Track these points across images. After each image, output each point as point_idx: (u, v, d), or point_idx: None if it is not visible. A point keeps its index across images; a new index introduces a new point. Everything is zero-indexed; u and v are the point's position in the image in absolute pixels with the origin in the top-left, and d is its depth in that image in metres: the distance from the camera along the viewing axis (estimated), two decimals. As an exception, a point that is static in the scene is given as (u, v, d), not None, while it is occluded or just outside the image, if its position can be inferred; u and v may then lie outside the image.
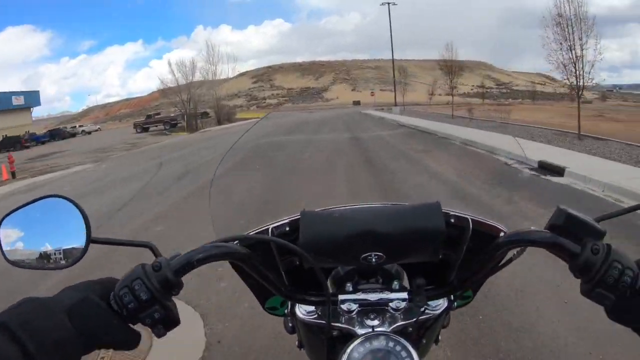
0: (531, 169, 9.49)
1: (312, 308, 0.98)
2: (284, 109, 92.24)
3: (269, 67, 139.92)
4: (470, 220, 0.93)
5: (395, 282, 0.93)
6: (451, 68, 40.09)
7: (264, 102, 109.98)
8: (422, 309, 0.93)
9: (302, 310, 0.98)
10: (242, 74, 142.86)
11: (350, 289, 0.92)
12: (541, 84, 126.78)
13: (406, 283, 0.98)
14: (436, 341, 1.09)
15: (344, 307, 0.89)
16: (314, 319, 0.97)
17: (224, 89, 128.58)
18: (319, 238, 0.84)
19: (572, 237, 0.75)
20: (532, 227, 0.82)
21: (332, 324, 0.90)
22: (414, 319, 0.91)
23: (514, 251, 0.87)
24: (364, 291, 0.92)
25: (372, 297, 0.90)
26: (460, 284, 0.94)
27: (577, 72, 15.85)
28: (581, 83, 15.89)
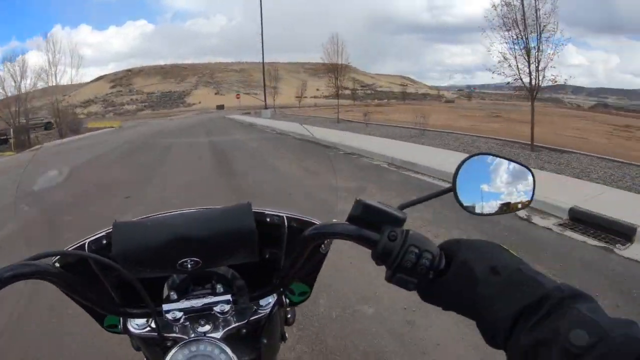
0: (561, 225, 5.97)
1: (143, 321, 0.97)
2: (143, 116, 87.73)
3: (129, 70, 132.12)
4: (285, 218, 0.98)
5: (219, 286, 0.93)
6: (336, 67, 38.56)
7: (122, 109, 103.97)
8: (253, 309, 0.97)
9: (134, 325, 0.97)
10: (99, 78, 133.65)
11: (175, 297, 0.91)
12: (403, 85, 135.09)
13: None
14: (283, 338, 1.16)
15: (169, 316, 0.89)
16: (147, 332, 0.96)
17: (79, 95, 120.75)
18: (133, 248, 0.82)
19: (373, 226, 0.78)
20: (334, 220, 0.85)
21: (165, 334, 0.91)
22: (245, 321, 0.95)
23: (323, 244, 0.94)
24: (189, 298, 0.92)
25: (197, 303, 0.91)
26: (281, 281, 0.96)
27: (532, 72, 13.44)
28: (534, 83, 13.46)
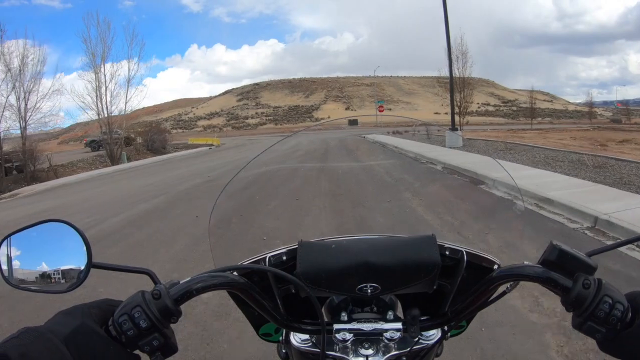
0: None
1: (306, 336, 0.99)
2: (262, 130, 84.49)
3: (256, 84, 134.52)
4: (464, 253, 0.96)
5: (390, 313, 0.96)
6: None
7: (243, 122, 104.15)
8: (416, 339, 0.95)
9: (297, 338, 1.00)
10: (227, 92, 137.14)
11: (345, 318, 0.95)
12: (549, 101, 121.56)
13: (400, 313, 1.01)
14: None
15: (339, 336, 0.92)
16: (309, 347, 0.98)
17: (206, 108, 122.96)
18: (316, 268, 0.87)
19: (564, 271, 0.79)
20: (526, 262, 0.85)
21: (327, 352, 0.92)
22: (408, 349, 0.93)
23: (507, 285, 0.90)
24: (359, 321, 0.94)
25: (367, 327, 0.92)
26: (455, 315, 0.96)
27: None
28: None
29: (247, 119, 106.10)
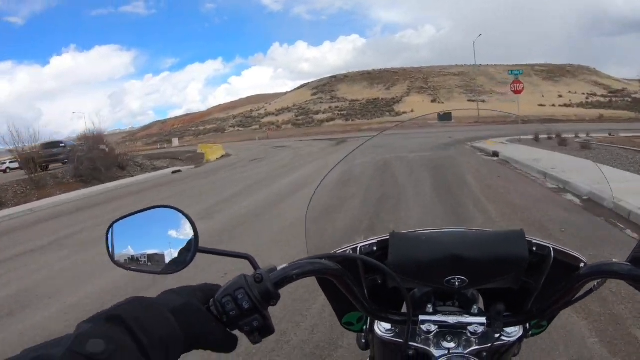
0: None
1: (390, 326, 1.03)
2: (327, 128, 77.84)
3: (333, 76, 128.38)
4: (552, 249, 0.97)
5: (475, 307, 0.99)
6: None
7: (310, 118, 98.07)
8: (498, 335, 0.96)
9: (381, 328, 1.03)
10: (302, 86, 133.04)
11: (431, 310, 0.98)
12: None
13: (482, 307, 1.03)
14: None
15: (424, 327, 0.95)
16: (392, 337, 1.01)
17: (279, 103, 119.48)
18: (407, 259, 0.92)
19: None
20: (614, 260, 0.86)
21: (410, 343, 0.96)
22: (490, 344, 0.94)
23: (594, 282, 0.91)
24: (444, 313, 0.97)
25: (451, 319, 0.96)
26: (539, 312, 0.97)
27: None
28: None
29: (317, 114, 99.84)
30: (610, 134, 28.89)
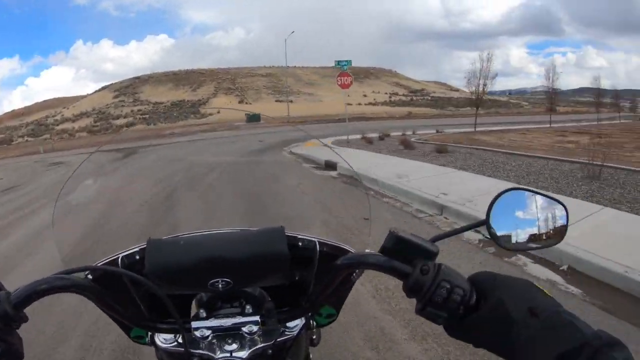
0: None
1: (172, 335, 1.00)
2: (96, 143, 72.45)
3: (136, 77, 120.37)
4: (317, 243, 1.02)
5: (248, 306, 0.98)
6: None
7: (109, 124, 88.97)
8: (281, 331, 1.00)
9: (161, 339, 1.01)
10: (103, 88, 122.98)
11: (204, 315, 0.96)
12: (455, 90, 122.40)
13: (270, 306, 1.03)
14: (307, 359, 1.21)
15: (198, 333, 0.93)
16: (174, 346, 0.99)
17: (79, 107, 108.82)
18: (165, 266, 0.88)
19: (405, 258, 0.81)
20: (367, 250, 0.92)
21: (192, 350, 0.94)
22: (272, 341, 0.97)
23: (354, 272, 0.96)
24: (217, 317, 0.96)
25: (225, 322, 0.95)
26: (311, 305, 1.01)
27: None
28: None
29: (118, 118, 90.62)
30: (438, 131, 29.69)
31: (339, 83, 22.03)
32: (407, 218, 7.20)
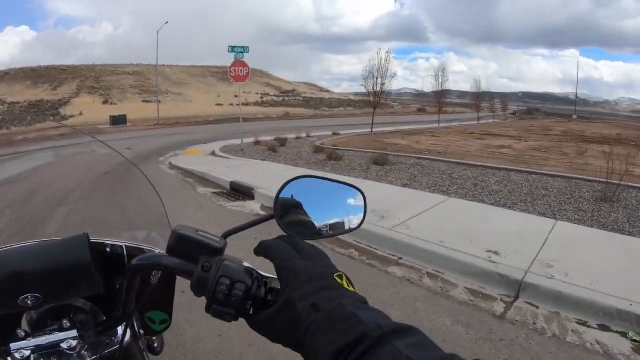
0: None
1: None
2: None
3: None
4: (124, 247, 1.01)
5: (65, 321, 0.95)
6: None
7: None
8: (106, 343, 0.98)
9: None
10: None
11: (23, 334, 0.92)
12: (326, 91, 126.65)
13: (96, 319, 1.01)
14: None
15: (17, 355, 0.89)
16: None
17: None
18: None
19: (192, 257, 0.80)
20: (159, 251, 0.95)
21: None
22: (97, 355, 0.95)
23: (153, 273, 0.97)
24: (37, 335, 0.92)
25: (44, 340, 0.91)
26: (123, 312, 0.96)
27: None
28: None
29: None
30: (334, 134, 27.87)
31: (233, 75, 17.86)
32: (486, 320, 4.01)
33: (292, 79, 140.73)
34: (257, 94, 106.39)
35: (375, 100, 35.14)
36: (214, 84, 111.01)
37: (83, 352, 0.93)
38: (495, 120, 64.38)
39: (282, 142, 20.30)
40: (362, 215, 0.94)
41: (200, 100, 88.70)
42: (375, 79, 34.99)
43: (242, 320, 0.80)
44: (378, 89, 35.14)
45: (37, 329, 0.95)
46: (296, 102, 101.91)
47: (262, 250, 0.84)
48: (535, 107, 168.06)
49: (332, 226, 0.90)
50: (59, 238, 0.92)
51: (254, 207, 8.38)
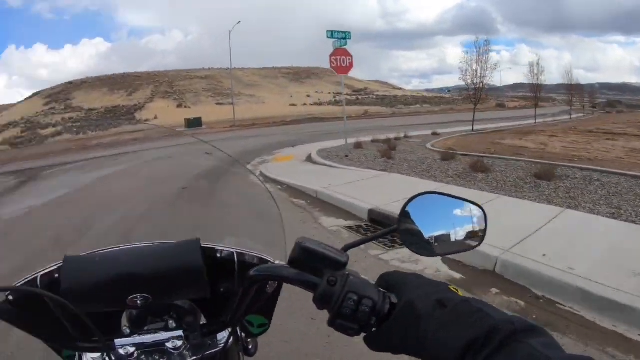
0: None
1: (99, 355, 0.96)
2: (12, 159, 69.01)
3: (69, 82, 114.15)
4: (235, 253, 1.00)
5: (171, 321, 0.96)
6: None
7: (35, 134, 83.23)
8: (208, 344, 0.98)
9: (89, 358, 0.97)
10: (34, 94, 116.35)
11: (128, 331, 0.95)
12: (398, 89, 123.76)
13: (199, 320, 1.02)
14: None
15: (122, 351, 0.91)
16: None
17: (9, 116, 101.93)
18: (82, 284, 0.84)
19: (315, 269, 0.80)
20: (278, 262, 0.93)
21: None
22: (199, 356, 0.95)
23: (269, 283, 0.96)
24: (142, 333, 0.94)
25: (149, 338, 0.93)
26: (232, 317, 0.98)
27: None
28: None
29: (47, 127, 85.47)
30: (434, 133, 24.71)
31: (334, 65, 14.99)
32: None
33: (362, 77, 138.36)
34: (330, 93, 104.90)
35: (476, 96, 30.59)
36: (286, 85, 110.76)
37: (185, 351, 0.94)
38: (587, 115, 58.76)
39: (391, 145, 16.96)
40: (483, 232, 0.90)
41: (273, 102, 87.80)
42: (474, 72, 30.64)
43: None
44: (478, 82, 30.64)
45: (136, 326, 0.95)
46: (370, 101, 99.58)
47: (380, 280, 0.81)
48: (614, 99, 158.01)
49: (450, 243, 0.88)
50: (172, 241, 0.94)
51: (438, 266, 4.80)
